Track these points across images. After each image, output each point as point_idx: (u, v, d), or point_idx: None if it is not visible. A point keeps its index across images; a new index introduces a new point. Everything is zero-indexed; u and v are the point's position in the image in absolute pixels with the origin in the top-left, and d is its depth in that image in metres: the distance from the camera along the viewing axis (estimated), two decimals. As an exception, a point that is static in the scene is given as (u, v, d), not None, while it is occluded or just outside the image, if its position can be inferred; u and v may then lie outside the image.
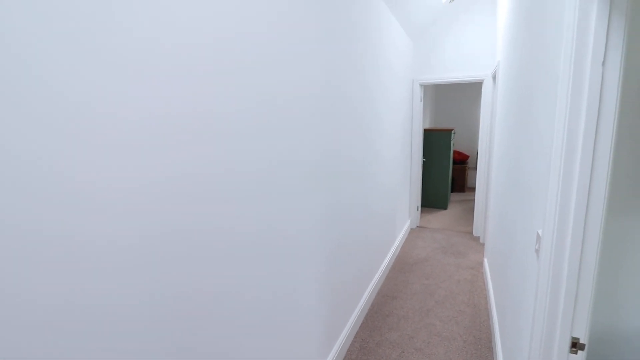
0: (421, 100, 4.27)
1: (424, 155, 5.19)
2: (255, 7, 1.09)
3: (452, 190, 6.69)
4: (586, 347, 0.96)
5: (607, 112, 0.86)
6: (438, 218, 4.98)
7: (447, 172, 5.31)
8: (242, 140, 1.07)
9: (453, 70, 3.99)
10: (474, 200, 6.01)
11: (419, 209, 4.58)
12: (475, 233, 4.19)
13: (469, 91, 7.12)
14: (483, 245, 3.88)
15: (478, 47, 3.84)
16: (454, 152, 6.60)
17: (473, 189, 6.91)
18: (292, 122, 1.35)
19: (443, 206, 5.44)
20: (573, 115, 0.88)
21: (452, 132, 5.25)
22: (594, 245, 0.91)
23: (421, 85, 4.18)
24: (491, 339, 2.22)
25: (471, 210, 5.33)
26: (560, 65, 0.93)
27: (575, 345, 0.96)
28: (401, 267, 3.34)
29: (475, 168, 7.07)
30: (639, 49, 1.08)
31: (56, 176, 0.61)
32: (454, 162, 6.62)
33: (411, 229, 4.48)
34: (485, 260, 3.16)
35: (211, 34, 0.92)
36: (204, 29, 0.90)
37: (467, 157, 6.85)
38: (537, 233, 1.09)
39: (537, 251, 1.09)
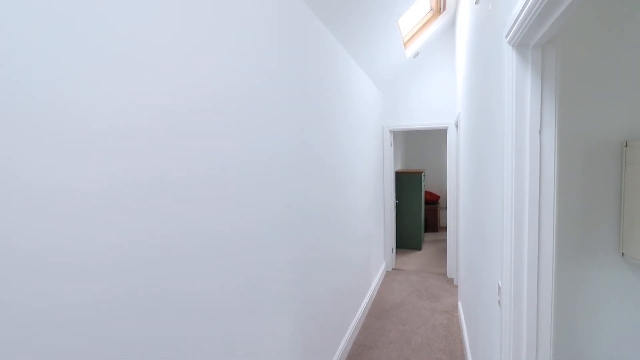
0: (391, 145, 4.47)
1: (397, 197, 5.33)
2: (231, 79, 1.16)
3: (426, 230, 6.83)
4: (550, 400, 0.98)
5: (547, 173, 0.96)
6: (413, 259, 5.02)
7: (419, 212, 5.45)
8: (216, 201, 1.09)
9: (419, 118, 4.25)
10: (446, 240, 6.14)
11: (394, 250, 4.62)
12: (449, 274, 4.25)
13: (437, 134, 7.53)
14: (457, 287, 3.92)
15: (440, 97, 4.14)
16: (426, 192, 6.83)
17: (445, 229, 7.08)
18: (264, 181, 1.39)
19: (417, 247, 5.52)
20: (518, 177, 0.97)
21: (423, 174, 5.47)
22: (547, 296, 0.96)
23: (391, 131, 4.40)
24: (468, 387, 2.19)
25: (444, 250, 5.43)
26: (504, 134, 1.03)
27: (541, 398, 0.98)
28: (378, 313, 3.30)
29: (447, 208, 7.31)
30: (571, 115, 1.23)
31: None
32: (426, 203, 6.82)
33: (387, 271, 4.48)
34: (460, 304, 3.19)
35: (193, 101, 0.97)
36: (186, 104, 0.95)
37: (438, 197, 7.08)
38: (498, 284, 1.14)
39: (499, 302, 1.13)
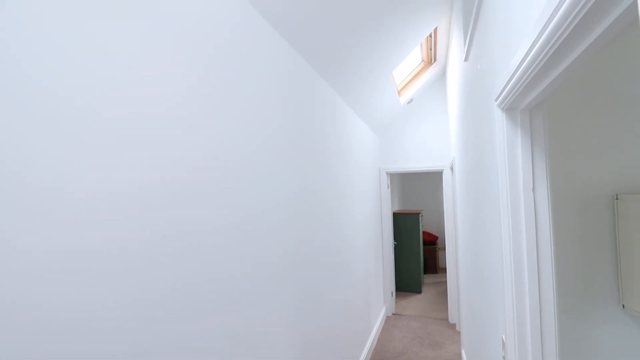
0: (388, 187, 4.54)
1: (395, 238, 5.31)
2: (240, 138, 1.23)
3: (425, 272, 6.72)
4: None
5: (543, 229, 0.99)
6: (413, 303, 4.91)
7: (418, 254, 5.41)
8: (222, 251, 1.10)
9: (415, 161, 4.36)
10: (446, 282, 6.03)
11: (394, 294, 4.53)
12: (450, 320, 4.14)
13: (433, 176, 7.65)
14: (459, 333, 3.80)
15: (434, 140, 4.28)
16: (424, 233, 6.81)
17: (445, 270, 6.98)
18: (266, 229, 1.41)
19: (417, 290, 5.41)
20: (515, 233, 1.00)
21: (420, 214, 5.50)
22: (552, 350, 0.96)
23: (387, 173, 4.49)
24: None
25: (445, 293, 5.32)
26: (499, 191, 1.08)
27: None
28: (378, 362, 3.17)
29: (445, 248, 7.26)
30: (564, 171, 1.29)
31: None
32: (424, 243, 6.78)
33: (387, 316, 4.36)
34: (463, 352, 3.08)
35: (204, 158, 1.02)
36: (192, 156, 1.00)
37: (437, 237, 7.05)
38: (502, 339, 1.14)
39: (504, 358, 1.12)
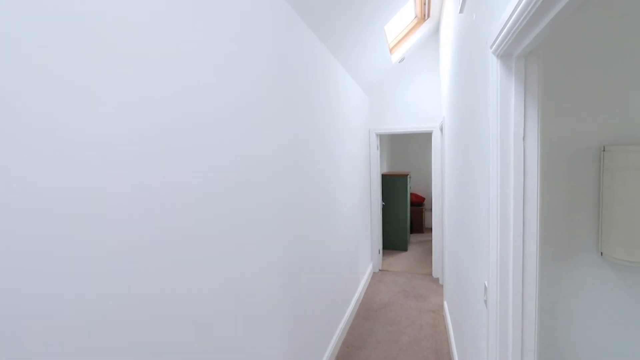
0: (378, 148, 4.54)
1: (383, 199, 5.40)
2: (226, 82, 1.17)
3: (411, 232, 6.93)
4: (535, 395, 1.02)
5: (531, 178, 1.00)
6: (399, 260, 5.09)
7: (405, 214, 5.53)
8: (208, 206, 1.09)
9: (405, 122, 4.32)
10: (432, 240, 6.25)
11: (381, 252, 4.68)
12: (434, 274, 4.33)
13: (422, 137, 7.66)
14: (442, 286, 4.00)
15: (425, 101, 4.23)
16: (411, 194, 6.94)
17: (430, 230, 7.20)
18: (255, 184, 1.40)
19: (403, 248, 5.60)
20: (503, 182, 1.02)
21: (408, 176, 5.56)
22: (532, 295, 1.01)
23: (377, 134, 4.46)
24: (455, 385, 2.24)
25: (430, 251, 5.52)
26: (489, 140, 1.08)
27: (526, 394, 1.03)
28: (365, 313, 3.34)
29: (431, 209, 7.44)
30: (553, 123, 1.29)
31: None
32: (412, 204, 6.92)
33: (374, 272, 4.53)
34: (445, 303, 3.26)
35: (190, 104, 0.98)
36: (181, 103, 0.95)
37: (424, 199, 7.20)
38: (485, 284, 1.19)
39: (485, 302, 1.18)
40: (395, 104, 4.37)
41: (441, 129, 3.93)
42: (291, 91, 1.80)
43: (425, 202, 7.57)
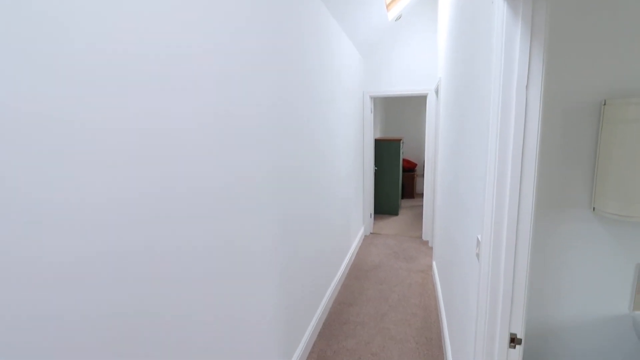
0: (371, 112, 4.45)
1: (375, 164, 5.39)
2: (209, 23, 1.09)
3: (402, 197, 7.00)
4: (523, 342, 1.06)
5: (531, 128, 0.97)
6: (390, 224, 5.18)
7: (397, 179, 5.56)
8: (196, 161, 1.05)
9: (400, 84, 4.22)
10: (422, 206, 6.34)
11: (372, 216, 4.73)
12: (424, 237, 4.42)
13: (416, 103, 7.54)
14: (432, 248, 4.10)
15: (421, 63, 4.11)
16: (403, 160, 6.94)
17: (421, 195, 7.29)
18: (245, 140, 1.35)
19: (394, 212, 5.67)
20: (503, 132, 0.98)
21: (401, 141, 5.52)
22: (525, 251, 1.01)
23: (371, 97, 4.36)
24: (441, 338, 2.34)
25: (420, 215, 5.61)
26: (490, 89, 1.03)
27: (514, 341, 1.06)
28: (357, 273, 3.42)
29: (423, 175, 7.48)
30: (552, 74, 1.24)
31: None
32: (403, 170, 6.94)
33: (365, 235, 4.61)
34: (434, 263, 3.35)
35: (165, 50, 0.90)
36: (159, 41, 0.88)
37: (415, 165, 7.22)
38: (477, 238, 1.19)
39: (477, 255, 1.19)
40: (391, 65, 4.23)
41: (436, 92, 3.85)
42: (279, 41, 1.70)
43: (417, 168, 7.60)
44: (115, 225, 0.79)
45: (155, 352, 0.92)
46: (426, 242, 4.33)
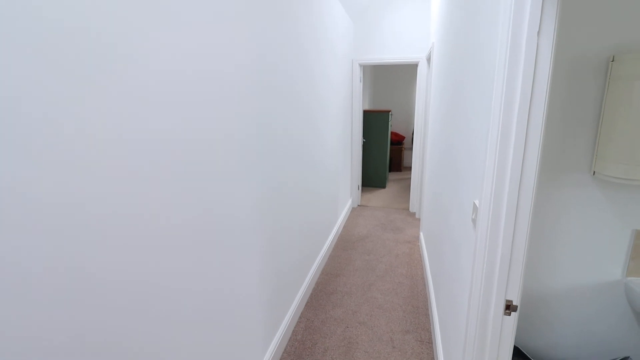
0: (361, 81, 4.30)
1: (364, 136, 5.29)
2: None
3: (390, 170, 6.97)
4: (518, 309, 1.02)
5: (541, 79, 0.89)
6: (377, 196, 5.15)
7: (385, 152, 5.49)
8: (169, 113, 0.93)
9: (390, 52, 4.05)
10: (409, 178, 6.33)
11: (360, 188, 4.68)
12: (411, 209, 4.42)
13: (404, 74, 7.38)
14: (419, 220, 4.10)
15: (413, 30, 3.94)
16: (391, 133, 6.85)
17: (409, 168, 7.28)
18: (224, 93, 1.22)
19: (382, 185, 5.65)
20: (510, 85, 0.89)
21: (390, 113, 5.41)
22: (526, 214, 0.95)
23: (361, 65, 4.20)
24: (428, 306, 2.35)
25: (408, 188, 5.61)
26: (497, 38, 0.93)
27: (509, 307, 1.02)
28: (344, 245, 3.40)
29: (411, 148, 7.44)
30: (568, 20, 1.15)
31: None
32: (391, 143, 6.87)
33: (352, 207, 4.58)
34: (421, 234, 3.35)
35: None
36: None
37: (403, 137, 7.16)
38: (474, 203, 1.13)
39: (474, 220, 1.13)
40: (381, 32, 4.05)
41: (428, 59, 3.72)
42: (267, -8, 1.54)
43: (404, 141, 7.54)
44: (91, 186, 0.68)
45: (135, 325, 0.84)
46: (413, 214, 4.33)
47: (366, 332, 2.10)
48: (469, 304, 1.11)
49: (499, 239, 0.99)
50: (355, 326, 2.15)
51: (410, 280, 2.71)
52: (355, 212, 4.43)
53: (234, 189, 1.33)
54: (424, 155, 3.89)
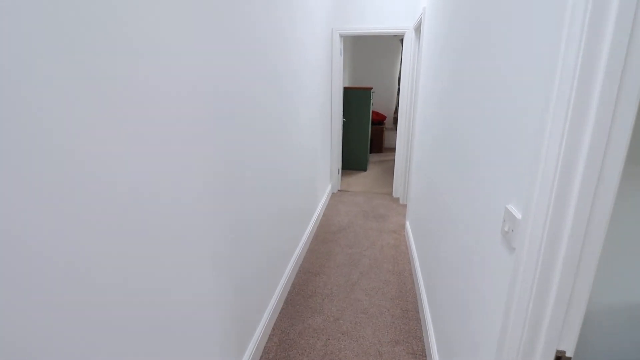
0: (341, 54, 3.88)
1: (344, 115, 4.91)
2: None
3: (370, 151, 6.67)
4: (575, 363, 0.72)
5: None
6: (358, 180, 4.85)
7: (366, 133, 5.15)
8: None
9: (373, 22, 3.64)
10: (392, 160, 6.06)
11: (340, 171, 4.35)
12: (395, 194, 4.14)
13: (386, 49, 6.97)
14: (404, 206, 3.83)
15: (400, -5, 3.53)
16: (372, 112, 6.50)
17: (390, 149, 7.01)
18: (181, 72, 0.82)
19: (363, 168, 5.34)
20: (592, 33, 0.55)
21: (372, 90, 5.04)
22: (600, 231, 0.64)
23: (341, 35, 3.77)
24: (419, 309, 2.09)
25: (390, 171, 5.33)
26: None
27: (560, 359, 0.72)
28: (324, 236, 3.08)
29: (393, 129, 7.14)
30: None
31: None
32: (372, 123, 6.53)
33: (332, 193, 4.25)
34: (408, 223, 3.07)
35: None
36: None
37: (385, 117, 6.83)
38: (509, 211, 0.80)
39: (507, 235, 0.81)
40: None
41: (416, 29, 3.34)
42: None
43: (385, 121, 7.22)
44: None
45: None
46: (397, 200, 4.06)
47: (350, 345, 1.80)
48: (500, 348, 0.81)
49: (555, 268, 0.67)
50: (338, 337, 1.86)
51: (398, 278, 2.44)
52: (335, 197, 4.11)
53: (180, 163, 0.95)
54: (412, 137, 3.58)
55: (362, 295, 2.23)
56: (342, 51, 3.95)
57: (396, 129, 7.01)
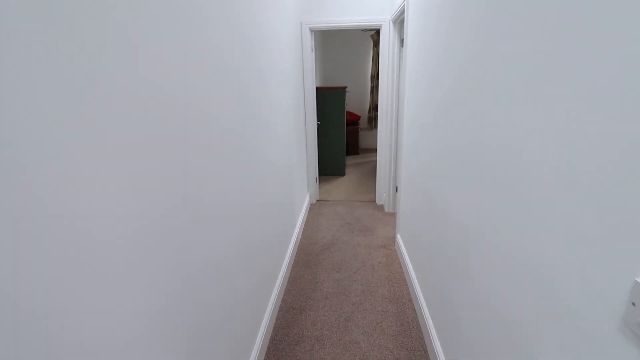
0: (313, 50, 3.52)
1: (318, 117, 4.55)
2: None
3: (346, 154, 6.36)
4: None
5: None
6: (338, 187, 4.51)
7: (342, 135, 4.82)
8: None
9: (347, 14, 3.30)
10: (370, 162, 5.78)
11: (317, 180, 3.98)
12: (378, 201, 3.83)
13: (357, 46, 6.68)
14: (390, 215, 3.53)
15: (374, -16, 3.21)
16: (346, 112, 6.19)
17: (367, 150, 6.74)
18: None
19: (341, 173, 5.01)
20: None
21: (346, 90, 4.72)
22: None
23: (312, 30, 3.40)
24: (429, 348, 1.76)
25: (369, 174, 5.03)
26: None
27: None
28: (306, 259, 2.70)
29: (368, 129, 6.87)
30: None
31: None
32: (347, 124, 6.22)
33: (311, 204, 3.88)
34: (399, 237, 2.76)
35: None
36: None
37: (359, 117, 6.54)
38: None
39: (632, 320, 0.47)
40: (335, -12, 3.26)
41: (394, 21, 3.04)
42: None
43: (360, 120, 6.95)
44: None
45: None
46: (381, 207, 3.75)
47: (352, 410, 1.45)
48: None
49: None
50: (336, 400, 1.49)
51: (396, 306, 2.11)
52: (315, 209, 3.74)
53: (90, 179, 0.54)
54: (397, 138, 3.28)
55: (359, 334, 1.88)
56: (314, 48, 3.58)
57: (372, 129, 6.77)
